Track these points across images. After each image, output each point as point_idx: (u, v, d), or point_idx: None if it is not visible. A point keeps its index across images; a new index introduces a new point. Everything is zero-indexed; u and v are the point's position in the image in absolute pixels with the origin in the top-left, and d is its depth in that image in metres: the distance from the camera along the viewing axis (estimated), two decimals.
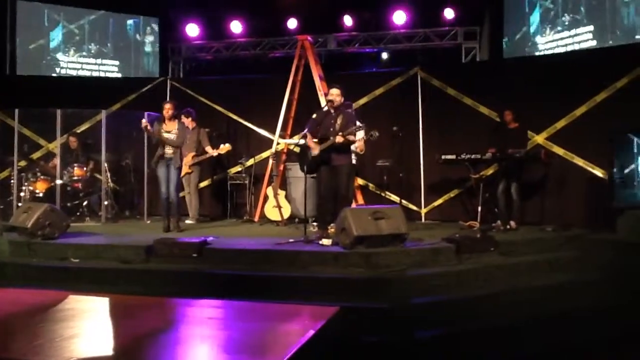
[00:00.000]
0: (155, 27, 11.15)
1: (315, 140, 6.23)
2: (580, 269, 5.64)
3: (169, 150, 7.11)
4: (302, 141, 6.50)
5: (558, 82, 7.85)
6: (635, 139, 6.80)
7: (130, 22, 10.95)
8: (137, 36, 11.04)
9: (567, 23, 8.82)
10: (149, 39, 11.09)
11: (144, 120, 7.13)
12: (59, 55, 10.70)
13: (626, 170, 6.90)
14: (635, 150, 6.83)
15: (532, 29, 9.65)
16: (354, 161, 7.17)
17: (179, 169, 7.22)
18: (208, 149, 8.24)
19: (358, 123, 6.26)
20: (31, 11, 10.63)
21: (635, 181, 6.81)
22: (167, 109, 7.15)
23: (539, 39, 9.43)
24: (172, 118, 7.19)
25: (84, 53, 10.79)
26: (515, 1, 9.70)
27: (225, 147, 8.13)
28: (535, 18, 9.53)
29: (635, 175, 6.82)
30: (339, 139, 5.99)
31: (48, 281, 5.33)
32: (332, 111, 6.29)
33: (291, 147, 8.72)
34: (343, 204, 6.05)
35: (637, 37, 8.13)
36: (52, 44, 10.79)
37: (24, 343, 2.50)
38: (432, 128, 8.86)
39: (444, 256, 5.47)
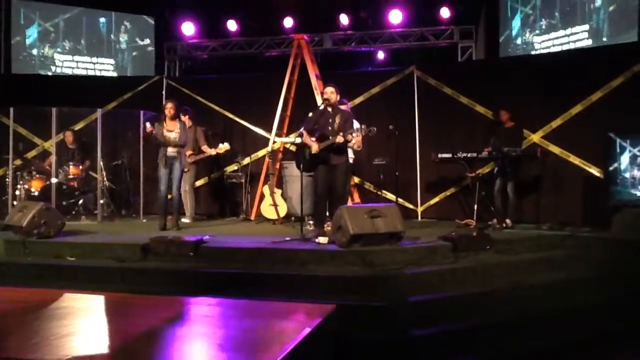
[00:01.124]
0: (129, 24, 11.15)
1: (313, 138, 6.23)
2: (576, 267, 5.66)
3: (171, 149, 7.12)
4: (298, 139, 6.48)
5: (554, 81, 7.88)
6: (618, 139, 6.87)
7: (102, 19, 10.99)
8: (111, 34, 11.09)
9: (544, 27, 9.35)
10: (124, 37, 11.10)
11: (148, 125, 7.18)
12: (35, 52, 10.79)
13: (610, 168, 7.02)
14: (618, 150, 6.93)
15: (513, 32, 9.98)
16: (351, 160, 7.19)
17: (183, 168, 7.27)
18: (205, 147, 8.24)
19: (356, 125, 6.27)
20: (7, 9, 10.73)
21: (618, 179, 6.94)
22: (169, 108, 7.18)
23: (519, 40, 9.86)
24: (174, 117, 7.22)
25: (59, 49, 10.83)
26: (500, 6, 10.12)
27: (224, 147, 8.13)
28: (516, 22, 9.91)
29: (617, 174, 6.94)
30: (340, 139, 5.98)
31: (43, 280, 5.32)
32: (329, 110, 6.28)
33: (287, 145, 8.73)
34: (340, 202, 6.04)
35: (604, 39, 8.54)
36: (28, 41, 10.84)
37: (19, 341, 2.49)
38: (428, 127, 8.87)
39: (440, 254, 5.48)
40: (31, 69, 10.80)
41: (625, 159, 6.86)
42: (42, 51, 10.76)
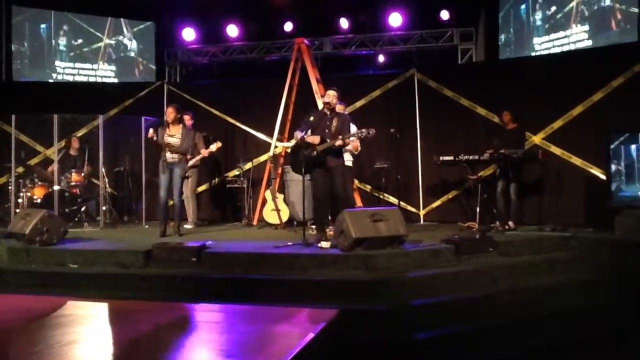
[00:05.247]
0: (66, 27, 11.23)
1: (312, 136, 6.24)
2: (579, 268, 5.65)
3: (170, 155, 7.11)
4: (292, 142, 6.46)
5: (554, 82, 7.88)
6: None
7: (43, 25, 11.19)
8: (51, 37, 11.20)
9: (503, 40, 10.27)
10: (63, 40, 11.28)
11: (151, 131, 7.14)
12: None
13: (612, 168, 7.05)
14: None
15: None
16: (350, 163, 7.19)
17: (184, 174, 7.24)
18: (203, 151, 8.25)
19: (354, 129, 6.29)
20: None
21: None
22: (169, 112, 7.17)
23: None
24: (176, 122, 7.20)
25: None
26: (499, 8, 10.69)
27: (215, 145, 8.14)
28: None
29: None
30: (339, 142, 5.99)
31: (46, 287, 5.32)
32: (328, 113, 6.29)
33: (289, 150, 8.72)
34: (344, 206, 6.01)
35: (543, 52, 9.56)
36: None
37: (23, 349, 2.49)
38: (430, 129, 8.87)
39: (443, 257, 5.47)
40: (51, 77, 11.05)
41: None
42: None
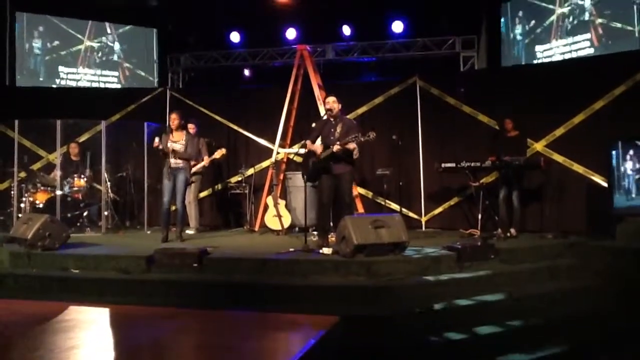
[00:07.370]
0: (41, 28, 10.96)
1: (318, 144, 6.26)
2: (580, 276, 5.64)
3: (174, 161, 7.12)
4: (302, 150, 6.47)
5: (556, 90, 7.88)
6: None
7: (16, 25, 10.75)
8: (24, 39, 10.79)
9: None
10: (37, 42, 10.90)
11: (156, 140, 7.15)
12: None
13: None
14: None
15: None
16: None
17: (188, 179, 7.24)
18: (206, 158, 8.26)
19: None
20: None
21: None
22: (173, 119, 7.19)
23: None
24: (179, 128, 7.22)
25: None
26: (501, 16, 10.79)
27: (219, 152, 8.15)
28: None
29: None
30: (337, 147, 5.98)
31: (48, 292, 5.32)
32: (332, 119, 6.30)
33: (291, 156, 8.74)
34: (347, 212, 6.03)
35: (545, 60, 9.59)
36: None
37: (24, 354, 2.50)
38: (432, 136, 8.88)
39: (444, 264, 5.47)
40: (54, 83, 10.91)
41: None
42: None
